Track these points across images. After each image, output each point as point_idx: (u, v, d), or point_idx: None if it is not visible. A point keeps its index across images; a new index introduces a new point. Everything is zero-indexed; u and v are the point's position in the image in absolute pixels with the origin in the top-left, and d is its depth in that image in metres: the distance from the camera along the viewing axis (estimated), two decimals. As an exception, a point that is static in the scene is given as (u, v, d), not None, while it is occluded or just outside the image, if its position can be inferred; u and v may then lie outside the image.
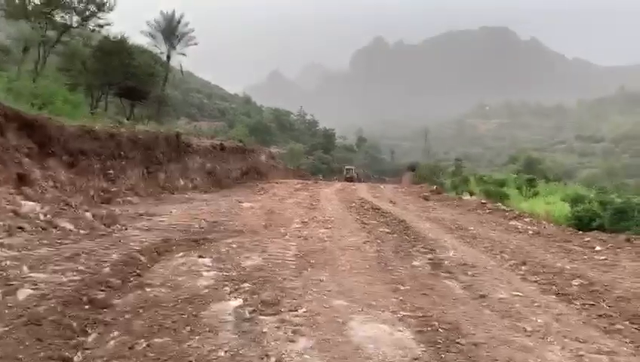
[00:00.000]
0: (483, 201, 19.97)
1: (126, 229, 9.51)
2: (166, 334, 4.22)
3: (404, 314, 5.11)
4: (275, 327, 4.48)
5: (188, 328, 4.35)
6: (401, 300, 5.61)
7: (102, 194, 12.86)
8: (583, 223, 13.43)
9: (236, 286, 5.66)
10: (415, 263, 7.63)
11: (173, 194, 17.01)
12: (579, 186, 29.76)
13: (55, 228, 8.24)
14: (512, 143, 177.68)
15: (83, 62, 28.26)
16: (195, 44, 42.76)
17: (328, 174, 64.93)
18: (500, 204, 19.48)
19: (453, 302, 5.70)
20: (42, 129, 10.93)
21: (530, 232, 12.29)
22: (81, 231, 8.37)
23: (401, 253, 8.39)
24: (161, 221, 10.77)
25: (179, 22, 41.54)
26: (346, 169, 60.14)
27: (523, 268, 7.74)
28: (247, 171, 33.47)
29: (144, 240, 8.26)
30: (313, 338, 4.32)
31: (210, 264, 6.77)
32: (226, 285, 5.69)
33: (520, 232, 12.27)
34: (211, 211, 12.85)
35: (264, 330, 4.40)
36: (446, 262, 7.73)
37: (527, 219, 14.96)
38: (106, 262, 6.19)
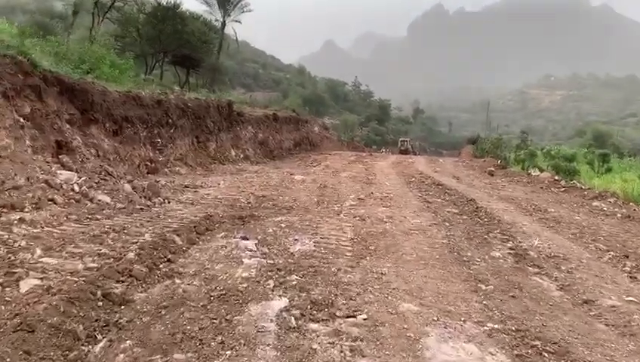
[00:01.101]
0: (556, 178, 18.22)
1: (168, 203, 8.79)
2: (190, 347, 3.31)
3: (493, 326, 3.99)
4: (329, 343, 3.48)
5: (218, 339, 3.43)
6: (485, 305, 4.49)
7: (148, 164, 12.25)
8: (667, 204, 12.06)
9: (282, 280, 4.70)
10: (494, 253, 6.42)
11: (223, 164, 16.34)
12: (658, 162, 27.25)
13: (90, 200, 7.58)
14: (579, 116, 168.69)
15: (137, 29, 27.90)
16: (250, 10, 41.84)
17: (382, 146, 63.25)
18: (575, 181, 17.71)
19: (552, 310, 4.52)
20: (84, 94, 10.29)
21: (619, 215, 10.73)
22: (118, 205, 7.66)
23: (475, 239, 7.19)
24: (207, 194, 10.01)
25: (234, -13, 40.66)
26: (401, 141, 58.40)
27: (627, 263, 6.38)
28: (300, 142, 32.68)
29: (185, 216, 7.47)
30: (377, 360, 3.30)
31: (254, 248, 5.85)
32: (270, 277, 4.74)
33: (607, 215, 10.72)
34: (261, 184, 12.00)
35: (314, 346, 3.41)
36: (531, 253, 6.48)
37: (611, 200, 13.27)
38: (135, 243, 5.38)
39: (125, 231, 6.05)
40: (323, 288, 4.57)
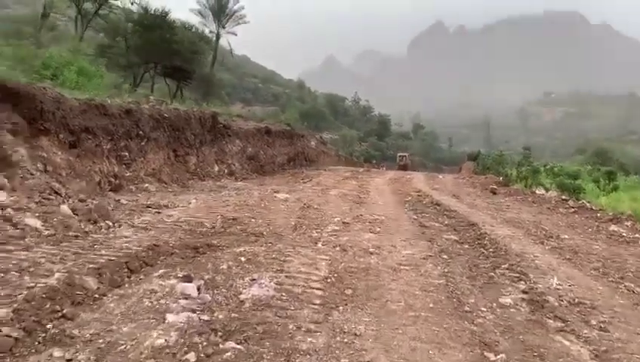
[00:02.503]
0: (564, 197, 16.90)
1: (119, 227, 7.46)
2: None
3: None
4: None
5: None
6: (496, 391, 3.15)
7: (112, 180, 10.94)
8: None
9: (211, 350, 3.35)
10: (504, 299, 5.08)
11: (203, 180, 15.02)
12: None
13: (13, 226, 6.24)
14: (579, 133, 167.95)
15: (125, 39, 26.79)
16: (246, 22, 41.05)
17: (381, 161, 62.12)
18: (584, 201, 16.40)
19: (592, 398, 3.18)
20: (31, 101, 9.01)
21: (643, 243, 9.41)
22: (46, 232, 6.31)
23: (479, 278, 5.85)
24: (169, 216, 8.67)
25: (229, -1, 39.80)
26: (399, 156, 57.35)
27: (673, 312, 5.05)
28: (295, 157, 31.38)
29: (126, 245, 6.13)
30: None
31: (194, 293, 4.52)
32: (194, 346, 3.39)
33: (628, 243, 9.40)
34: (237, 203, 10.66)
35: None
36: (550, 299, 5.14)
37: (627, 223, 11.95)
38: (30, 289, 4.04)
39: (32, 269, 4.73)
40: (268, 363, 3.23)
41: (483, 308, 4.76)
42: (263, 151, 25.16)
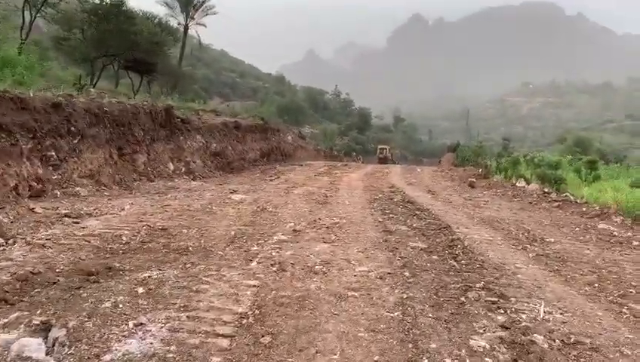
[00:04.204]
0: (545, 190, 15.81)
1: (13, 244, 6.06)
2: None
3: None
4: None
5: None
6: None
7: (33, 184, 9.45)
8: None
9: None
10: (476, 341, 3.79)
11: (152, 181, 13.55)
12: (645, 168, 25.29)
13: None
14: (557, 123, 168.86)
15: (82, 30, 24.98)
16: (215, 13, 39.45)
17: (360, 155, 60.96)
18: (567, 193, 15.31)
19: None
20: None
21: (636, 243, 8.30)
22: None
23: (446, 305, 4.56)
24: (84, 227, 7.24)
25: (197, -11, 38.14)
26: (379, 148, 56.14)
27: (698, 352, 3.83)
28: (269, 152, 30.01)
29: (-4, 274, 4.73)
30: None
31: (38, 355, 3.16)
32: None
33: (621, 243, 8.31)
34: (177, 209, 9.27)
35: None
36: (538, 338, 3.88)
37: (617, 219, 10.89)
38: None
39: None
40: None
41: (447, 359, 3.48)
42: (232, 146, 23.74)
